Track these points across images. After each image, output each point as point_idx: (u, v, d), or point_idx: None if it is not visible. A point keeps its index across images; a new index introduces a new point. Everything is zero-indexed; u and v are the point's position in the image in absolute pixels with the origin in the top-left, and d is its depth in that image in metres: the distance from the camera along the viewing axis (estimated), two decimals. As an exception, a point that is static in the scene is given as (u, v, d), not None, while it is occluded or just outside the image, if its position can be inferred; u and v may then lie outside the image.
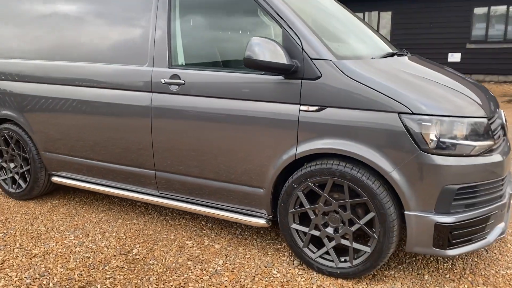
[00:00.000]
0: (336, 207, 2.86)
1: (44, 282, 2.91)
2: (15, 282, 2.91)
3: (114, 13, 3.55)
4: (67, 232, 3.64)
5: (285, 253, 3.27)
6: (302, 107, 2.85)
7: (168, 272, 3.02)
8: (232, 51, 3.22)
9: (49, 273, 3.02)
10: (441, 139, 2.58)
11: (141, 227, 3.72)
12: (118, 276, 2.97)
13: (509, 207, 3.07)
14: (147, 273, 3.01)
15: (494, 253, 3.25)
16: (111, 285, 2.87)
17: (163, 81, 3.29)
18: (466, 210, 2.68)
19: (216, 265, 3.11)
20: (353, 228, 2.83)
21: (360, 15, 16.67)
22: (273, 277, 2.96)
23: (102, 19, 3.60)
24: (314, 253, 3.00)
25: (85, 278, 2.95)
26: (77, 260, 3.18)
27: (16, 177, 4.35)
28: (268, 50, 2.75)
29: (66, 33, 3.79)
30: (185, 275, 2.98)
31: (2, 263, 3.14)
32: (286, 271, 3.03)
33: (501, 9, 14.53)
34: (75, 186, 3.99)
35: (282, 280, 2.92)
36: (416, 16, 15.56)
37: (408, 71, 2.97)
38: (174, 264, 3.12)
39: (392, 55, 3.39)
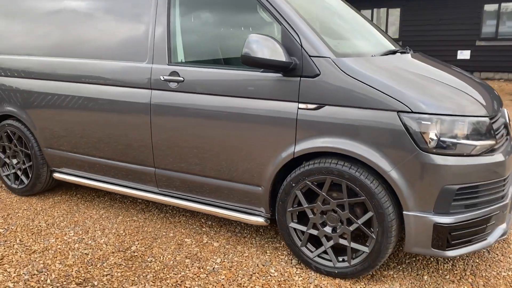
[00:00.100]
0: (334, 206, 2.83)
1: (42, 278, 2.92)
2: (13, 278, 2.93)
3: (114, 9, 3.54)
4: (67, 228, 3.65)
5: (284, 252, 3.25)
6: (301, 105, 2.82)
7: (165, 269, 3.02)
8: (231, 48, 3.20)
9: (47, 269, 3.03)
10: (441, 138, 2.54)
11: (141, 224, 3.72)
12: (116, 273, 2.97)
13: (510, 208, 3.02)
14: (145, 270, 3.01)
15: (496, 254, 3.20)
16: (108, 282, 2.87)
17: (162, 78, 3.27)
18: (466, 210, 2.63)
19: (214, 263, 3.09)
20: (351, 228, 2.80)
21: (368, 11, 16.54)
22: (270, 276, 2.94)
23: (102, 16, 3.59)
24: (312, 252, 2.98)
25: (83, 275, 2.96)
26: (76, 257, 3.19)
27: (19, 173, 4.37)
28: (266, 47, 2.72)
29: (66, 30, 3.79)
30: (182, 273, 2.97)
31: (1, 259, 3.16)
32: (283, 270, 3.01)
33: (512, 5, 14.34)
34: (76, 182, 4.00)
35: (279, 279, 2.90)
36: (425, 13, 15.39)
37: (409, 69, 2.93)
38: (172, 262, 3.11)
39: (394, 52, 3.34)
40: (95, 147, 3.75)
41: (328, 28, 3.25)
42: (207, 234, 3.53)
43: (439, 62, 3.48)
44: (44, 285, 2.84)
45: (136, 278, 2.91)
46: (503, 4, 14.33)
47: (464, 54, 15.18)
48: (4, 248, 3.31)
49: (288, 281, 2.88)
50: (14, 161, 4.40)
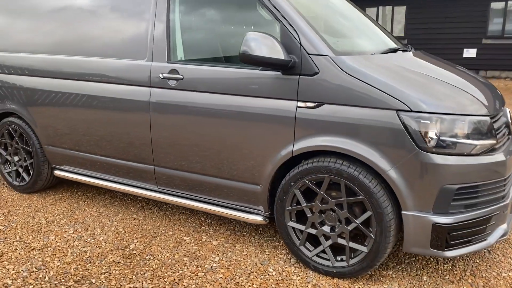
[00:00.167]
0: (332, 205, 2.81)
1: (40, 276, 2.92)
2: (12, 275, 2.93)
3: (114, 7, 3.54)
4: (67, 226, 3.66)
5: (282, 251, 3.24)
6: (299, 104, 2.81)
7: (163, 268, 3.01)
8: (231, 46, 3.18)
9: (45, 266, 3.03)
10: (441, 138, 2.51)
11: (140, 222, 3.72)
12: (114, 271, 2.97)
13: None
14: (143, 268, 3.01)
15: (497, 254, 3.17)
16: (105, 280, 2.87)
17: (161, 76, 3.27)
18: (466, 210, 2.61)
19: (212, 262, 3.09)
20: (350, 227, 2.78)
21: (374, 9, 16.47)
22: (268, 275, 2.93)
23: (102, 14, 3.59)
24: (310, 251, 2.96)
25: (81, 273, 2.96)
26: (74, 254, 3.19)
27: (20, 170, 4.38)
28: (265, 45, 2.70)
29: (66, 28, 3.79)
30: (180, 271, 2.96)
31: (1, 256, 3.17)
32: (282, 269, 2.99)
33: (519, 4, 14.21)
34: (77, 180, 4.01)
35: (277, 278, 2.88)
36: (431, 11, 15.30)
37: (409, 67, 2.90)
38: (170, 260, 3.10)
39: (395, 50, 3.31)
40: (95, 144, 3.75)
41: (329, 26, 3.23)
42: (206, 233, 3.52)
43: (441, 61, 3.44)
44: (42, 283, 2.84)
45: (133, 276, 2.91)
46: (510, 2, 14.20)
47: (470, 53, 15.08)
48: (4, 245, 3.32)
49: (286, 280, 2.87)
50: (16, 158, 4.41)
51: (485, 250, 3.21)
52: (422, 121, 2.51)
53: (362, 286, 2.81)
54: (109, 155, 3.72)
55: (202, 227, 3.61)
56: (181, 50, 3.29)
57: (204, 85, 3.12)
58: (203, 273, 2.94)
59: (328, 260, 2.91)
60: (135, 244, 3.33)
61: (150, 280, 2.87)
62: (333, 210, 2.83)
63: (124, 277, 2.90)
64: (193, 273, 2.95)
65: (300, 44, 2.79)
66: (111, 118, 3.56)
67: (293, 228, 3.00)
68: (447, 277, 2.90)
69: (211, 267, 3.02)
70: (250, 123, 2.96)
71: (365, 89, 2.62)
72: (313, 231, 2.92)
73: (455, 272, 2.95)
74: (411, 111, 2.53)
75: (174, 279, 2.87)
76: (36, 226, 3.66)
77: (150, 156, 3.47)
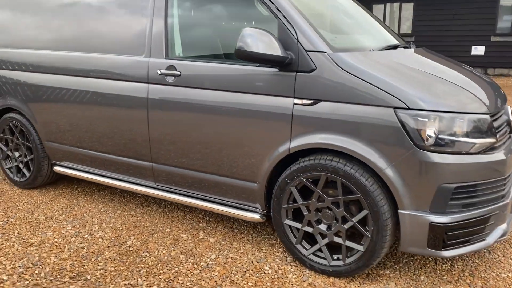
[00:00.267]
0: (329, 203, 2.78)
1: (36, 272, 2.92)
2: (8, 270, 2.94)
3: (112, 2, 3.52)
4: (65, 222, 3.66)
5: (280, 249, 3.21)
6: (296, 101, 2.78)
7: (159, 265, 3.00)
8: (229, 42, 3.16)
9: (42, 262, 3.04)
10: (439, 136, 2.47)
11: (138, 218, 3.71)
12: (109, 268, 2.96)
13: (513, 208, 2.94)
14: (138, 265, 3.00)
15: (497, 255, 3.12)
16: (101, 277, 2.86)
17: (159, 72, 3.25)
18: (464, 210, 2.56)
19: (209, 259, 3.07)
20: (346, 226, 2.75)
21: (381, 6, 16.33)
22: (264, 273, 2.91)
23: (100, 9, 3.58)
24: (307, 250, 2.94)
25: (77, 269, 2.96)
26: (71, 250, 3.19)
27: (21, 166, 4.40)
28: (261, 41, 2.67)
29: (64, 24, 3.79)
30: (176, 269, 2.95)
31: (-2, 251, 3.18)
32: (278, 267, 2.97)
33: (529, 0, 14.03)
34: (76, 176, 4.01)
35: (272, 277, 2.86)
36: (439, 8, 15.14)
37: (409, 64, 2.86)
38: (166, 257, 3.09)
39: (395, 47, 3.27)
40: (94, 141, 3.75)
41: (327, 22, 3.19)
42: (203, 230, 3.51)
43: (443, 58, 3.39)
44: (37, 278, 2.85)
45: (129, 273, 2.90)
46: (519, -1, 14.02)
47: (478, 50, 14.91)
48: (2, 241, 3.33)
49: (282, 278, 2.85)
50: (17, 154, 4.43)
51: (485, 250, 3.17)
52: (419, 119, 2.47)
53: (359, 285, 2.78)
54: (108, 151, 3.71)
55: (200, 225, 3.60)
56: (179, 46, 3.27)
57: (201, 81, 3.09)
58: (198, 271, 2.93)
59: (325, 258, 2.88)
60: (132, 241, 3.32)
61: (145, 277, 2.86)
62: (330, 208, 2.80)
63: (119, 274, 2.89)
64: (189, 270, 2.94)
65: (297, 41, 2.76)
66: (110, 114, 3.55)
67: (290, 226, 2.97)
68: (445, 277, 2.86)
69: (207, 264, 3.01)
70: (247, 120, 2.94)
71: (362, 86, 2.58)
72: (309, 230, 2.89)
73: (454, 272, 2.91)
74: (409, 108, 2.49)
75: (169, 277, 2.86)
76: (35, 221, 3.67)
77: (148, 152, 3.46)
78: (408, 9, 15.99)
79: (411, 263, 3.03)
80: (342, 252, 2.80)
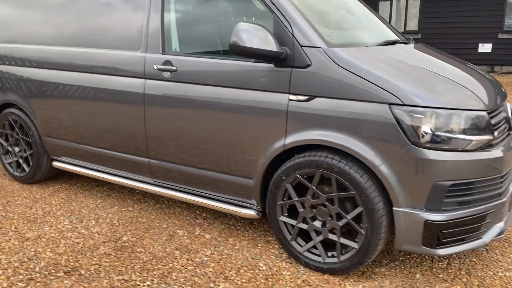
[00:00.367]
0: (324, 200, 2.76)
1: (31, 266, 2.93)
2: (3, 265, 2.95)
3: (110, -2, 3.51)
4: (62, 217, 3.67)
5: (275, 246, 3.20)
6: (291, 97, 2.75)
7: (154, 260, 3.00)
8: (225, 38, 3.13)
9: (37, 257, 3.04)
10: (435, 133, 2.44)
11: (135, 214, 3.71)
12: (104, 263, 2.96)
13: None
14: (133, 261, 3.00)
15: (495, 253, 3.09)
16: (95, 272, 2.87)
17: (155, 67, 3.24)
18: (459, 208, 2.53)
19: (203, 256, 3.06)
20: (341, 223, 2.73)
21: (388, 3, 16.20)
22: (258, 269, 2.90)
23: (97, 4, 3.57)
24: (301, 246, 2.92)
25: (71, 264, 2.96)
26: (67, 245, 3.19)
27: (20, 161, 4.41)
28: (256, 36, 2.65)
29: (62, 19, 3.79)
30: (170, 265, 2.95)
31: (-6, 246, 3.19)
32: (272, 264, 2.95)
33: (537, -3, 13.86)
34: (74, 171, 4.02)
35: (267, 273, 2.85)
36: (446, 5, 15.00)
37: (406, 60, 2.83)
38: (161, 253, 3.09)
39: (393, 43, 3.23)
40: (92, 136, 3.75)
41: (325, 17, 3.16)
42: (200, 226, 3.50)
43: (443, 54, 3.35)
44: (32, 273, 2.85)
45: (123, 269, 2.90)
46: (527, -4, 13.86)
47: (485, 47, 14.76)
48: (-1, 235, 3.35)
49: (276, 275, 2.83)
50: (16, 149, 4.44)
51: (483, 249, 3.13)
52: (415, 115, 2.44)
53: (353, 282, 2.76)
54: (106, 147, 3.71)
55: (197, 221, 3.59)
56: (176, 42, 3.25)
57: (197, 77, 3.08)
58: (193, 267, 2.92)
59: (319, 255, 2.86)
60: (128, 237, 3.32)
61: (139, 273, 2.85)
62: (324, 205, 2.78)
63: (113, 269, 2.89)
64: (183, 266, 2.93)
65: (293, 36, 2.73)
66: (107, 109, 3.55)
67: (285, 222, 2.96)
68: (441, 276, 2.83)
69: (202, 260, 3.00)
70: (243, 116, 2.92)
71: (357, 82, 2.56)
72: (304, 226, 2.88)
73: (450, 271, 2.88)
74: (404, 105, 2.46)
75: (163, 272, 2.86)
76: (33, 216, 3.68)
77: (145, 148, 3.45)
78: (415, 6, 15.86)
79: (407, 261, 3.01)
80: (336, 249, 2.78)
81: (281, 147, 2.83)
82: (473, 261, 2.99)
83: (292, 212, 2.95)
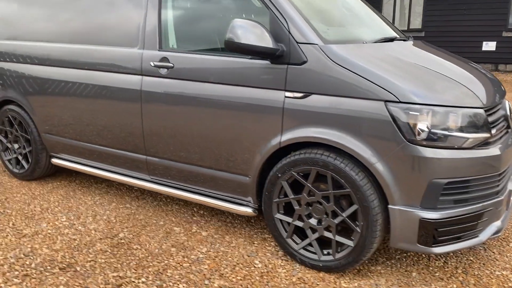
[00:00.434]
0: (319, 198, 2.74)
1: (27, 262, 2.93)
2: (0, 261, 2.95)
3: (107, -6, 3.51)
4: (60, 213, 3.67)
5: (271, 243, 3.19)
6: (287, 94, 2.74)
7: (149, 257, 3.00)
8: (222, 34, 3.12)
9: (33, 253, 3.05)
10: (431, 130, 2.42)
11: (133, 211, 3.71)
12: (99, 260, 2.96)
13: (510, 204, 2.87)
14: (129, 257, 2.99)
15: (493, 252, 3.06)
16: (90, 268, 2.87)
17: (152, 64, 3.23)
18: (455, 206, 2.51)
19: (199, 253, 3.06)
20: (336, 220, 2.71)
21: (391, 1, 16.13)
22: (254, 267, 2.89)
23: (94, 1, 3.56)
24: (297, 244, 2.91)
25: (67, 260, 2.96)
26: (63, 242, 3.20)
27: (20, 157, 4.42)
28: (251, 33, 2.64)
29: (61, 16, 3.78)
30: (166, 262, 2.94)
31: (-9, 242, 3.20)
32: (268, 262, 2.95)
33: (542, -5, 13.75)
34: (73, 168, 4.02)
35: (262, 271, 2.84)
36: (450, 2, 14.91)
37: (403, 57, 2.81)
38: (157, 250, 3.09)
39: (391, 40, 3.21)
40: (90, 133, 3.75)
41: (323, 14, 3.14)
42: (197, 223, 3.49)
43: (441, 51, 3.33)
44: (28, 269, 2.86)
45: (119, 265, 2.90)
46: (532, -6, 13.76)
47: (489, 46, 14.67)
48: (-4, 231, 3.36)
49: (271, 273, 2.82)
50: (16, 146, 4.45)
51: (481, 248, 3.11)
52: (411, 112, 2.42)
53: (348, 280, 2.75)
54: (104, 144, 3.71)
55: (194, 218, 3.59)
56: (173, 38, 3.24)
57: (194, 73, 3.07)
58: (188, 264, 2.92)
59: (315, 253, 2.85)
60: (125, 233, 3.32)
61: (135, 270, 2.85)
62: (320, 202, 2.76)
63: (109, 266, 2.89)
64: (178, 263, 2.93)
65: (289, 32, 2.72)
66: (104, 106, 3.55)
67: (281, 220, 2.95)
68: (437, 274, 2.81)
69: (198, 258, 2.99)
70: (239, 113, 2.91)
71: (352, 79, 2.54)
72: (300, 224, 2.86)
73: (446, 269, 2.86)
74: (400, 102, 2.44)
75: (159, 269, 2.85)
76: (31, 213, 3.68)
77: (142, 145, 3.45)
78: (419, 4, 15.78)
79: (404, 259, 2.99)
80: (332, 247, 2.77)
81: (277, 145, 2.81)
82: (470, 260, 2.97)
83: (288, 210, 2.94)
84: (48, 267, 2.88)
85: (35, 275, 2.80)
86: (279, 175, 2.84)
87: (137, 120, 3.39)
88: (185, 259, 2.98)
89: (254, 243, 3.19)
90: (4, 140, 4.51)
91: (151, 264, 2.92)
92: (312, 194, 2.77)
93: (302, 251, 2.89)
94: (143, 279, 2.75)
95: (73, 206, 3.82)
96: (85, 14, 3.63)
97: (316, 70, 2.64)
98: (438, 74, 2.67)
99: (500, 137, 2.72)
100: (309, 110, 2.66)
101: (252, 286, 2.69)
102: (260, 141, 2.87)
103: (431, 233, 2.49)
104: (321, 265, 2.81)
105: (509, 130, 2.92)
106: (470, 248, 3.06)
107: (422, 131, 2.41)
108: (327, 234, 2.77)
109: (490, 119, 2.61)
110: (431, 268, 2.88)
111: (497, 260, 2.97)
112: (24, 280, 2.74)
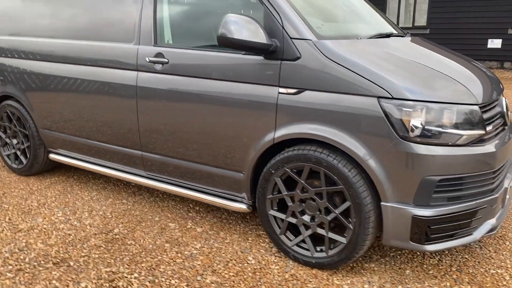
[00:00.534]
0: (312, 194, 2.73)
1: (21, 257, 2.94)
2: (-6, 255, 2.97)
3: (104, -10, 3.50)
4: (56, 208, 3.68)
5: (265, 240, 3.18)
6: (281, 90, 2.72)
7: (143, 253, 3.00)
8: (217, 30, 3.10)
9: (28, 248, 3.06)
10: (425, 127, 2.39)
11: (129, 207, 3.71)
12: (93, 255, 2.97)
13: (506, 202, 2.85)
14: (122, 253, 3.00)
15: (489, 250, 3.04)
16: (83, 263, 2.87)
17: (147, 60, 3.23)
18: (449, 203, 2.49)
19: (193, 249, 3.05)
20: (329, 217, 2.70)
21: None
22: (247, 263, 2.88)
23: (91, -4, 3.57)
24: (291, 241, 2.90)
25: (61, 255, 2.97)
26: (58, 237, 3.20)
27: (18, 153, 4.43)
28: (244, 28, 2.62)
29: (57, 11, 3.79)
30: (159, 257, 2.94)
31: (-13, 236, 3.21)
32: (262, 258, 2.94)
33: (548, -8, 13.62)
34: (70, 164, 4.03)
35: (255, 267, 2.83)
36: (455, 0, 14.80)
37: (398, 53, 2.78)
38: (151, 246, 3.09)
39: (387, 36, 3.19)
40: (87, 128, 3.75)
41: (318, 9, 3.12)
42: (192, 219, 3.49)
43: (439, 48, 3.29)
44: (22, 264, 2.86)
45: (112, 261, 2.90)
46: (538, -9, 13.63)
47: (495, 43, 14.55)
48: (-8, 226, 3.37)
49: (264, 269, 2.81)
50: (14, 141, 4.47)
51: (476, 246, 3.09)
52: (404, 109, 2.40)
53: (341, 277, 2.74)
54: (100, 139, 3.71)
55: (189, 214, 3.58)
56: (168, 34, 3.24)
57: (188, 69, 3.06)
58: (181, 260, 2.91)
59: (308, 250, 2.84)
60: (120, 229, 3.32)
61: (128, 265, 2.85)
62: (313, 199, 2.75)
63: (102, 261, 2.89)
64: (172, 259, 2.92)
65: (283, 27, 2.70)
66: (101, 102, 3.55)
67: (274, 216, 2.94)
68: (431, 272, 2.79)
69: (191, 253, 2.99)
70: (233, 109, 2.90)
71: (346, 75, 2.52)
72: (293, 220, 2.85)
73: (441, 267, 2.84)
74: (393, 98, 2.42)
75: (152, 265, 2.85)
76: (27, 208, 3.70)
77: (138, 141, 3.45)
78: (424, 2, 15.67)
79: (398, 257, 2.97)
80: (325, 243, 2.75)
81: (270, 141, 2.80)
82: (465, 258, 2.94)
83: (282, 206, 2.93)
84: (42, 262, 2.89)
85: (28, 269, 2.80)
86: (273, 171, 2.83)
87: (132, 116, 3.39)
88: (179, 255, 2.98)
89: (248, 240, 3.18)
90: (3, 136, 4.53)
91: (144, 259, 2.92)
92: (306, 190, 2.76)
93: (296, 248, 2.88)
94: (136, 275, 2.75)
95: (70, 201, 3.83)
96: (80, 9, 3.63)
97: (309, 66, 2.62)
98: (434, 70, 2.64)
99: (496, 134, 2.69)
100: (303, 106, 2.65)
101: (245, 282, 2.68)
102: (254, 137, 2.86)
103: (423, 230, 2.47)
104: (314, 261, 2.80)
105: (506, 127, 2.89)
106: (465, 246, 3.04)
107: (416, 127, 2.39)
108: (320, 230, 2.76)
109: (486, 116, 2.58)
110: (425, 266, 2.86)
111: (492, 258, 2.94)
112: (17, 275, 2.75)
